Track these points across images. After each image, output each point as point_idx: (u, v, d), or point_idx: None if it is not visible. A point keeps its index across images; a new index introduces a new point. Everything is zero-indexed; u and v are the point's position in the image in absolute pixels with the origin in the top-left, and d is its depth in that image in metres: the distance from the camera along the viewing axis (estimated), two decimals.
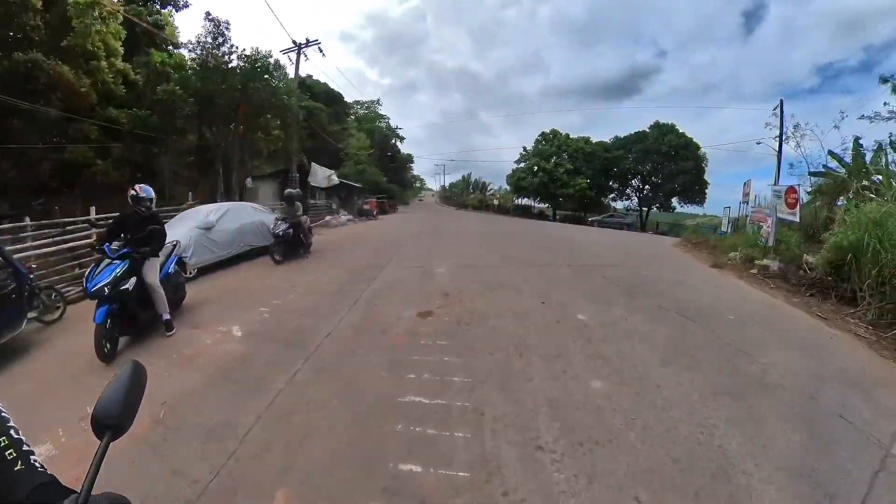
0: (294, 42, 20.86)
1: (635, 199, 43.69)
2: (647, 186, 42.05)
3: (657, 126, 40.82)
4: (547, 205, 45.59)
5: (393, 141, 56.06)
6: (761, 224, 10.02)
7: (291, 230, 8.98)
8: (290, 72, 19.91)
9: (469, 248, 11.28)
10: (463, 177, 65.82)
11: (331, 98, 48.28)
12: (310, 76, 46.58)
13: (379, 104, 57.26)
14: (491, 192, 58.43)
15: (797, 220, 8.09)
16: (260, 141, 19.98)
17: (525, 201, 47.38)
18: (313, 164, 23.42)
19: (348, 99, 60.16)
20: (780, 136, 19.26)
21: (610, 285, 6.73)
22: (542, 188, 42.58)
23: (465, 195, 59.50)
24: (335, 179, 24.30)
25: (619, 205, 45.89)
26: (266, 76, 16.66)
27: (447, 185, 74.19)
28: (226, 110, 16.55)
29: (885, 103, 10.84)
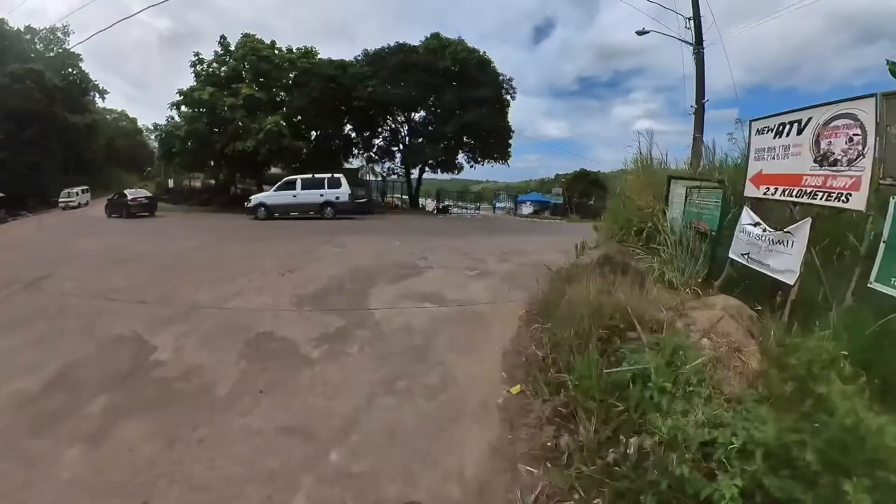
0: None
1: (399, 156, 27.45)
2: (420, 138, 26.13)
3: (436, 38, 23.69)
4: (219, 172, 25.32)
5: (92, 95, 33.64)
6: None
7: None
8: None
9: None
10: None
11: None
12: None
13: (66, 34, 31.61)
14: None
15: None
16: None
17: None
18: None
19: (12, 23, 29.34)
20: (696, 18, 9.97)
21: None
22: (198, 143, 20.55)
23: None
24: None
25: (380, 167, 29.13)
26: None
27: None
28: None
29: None
